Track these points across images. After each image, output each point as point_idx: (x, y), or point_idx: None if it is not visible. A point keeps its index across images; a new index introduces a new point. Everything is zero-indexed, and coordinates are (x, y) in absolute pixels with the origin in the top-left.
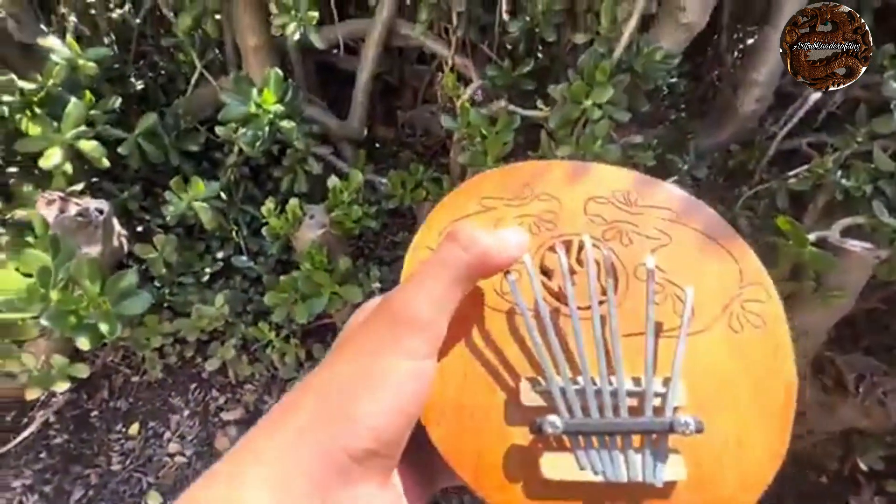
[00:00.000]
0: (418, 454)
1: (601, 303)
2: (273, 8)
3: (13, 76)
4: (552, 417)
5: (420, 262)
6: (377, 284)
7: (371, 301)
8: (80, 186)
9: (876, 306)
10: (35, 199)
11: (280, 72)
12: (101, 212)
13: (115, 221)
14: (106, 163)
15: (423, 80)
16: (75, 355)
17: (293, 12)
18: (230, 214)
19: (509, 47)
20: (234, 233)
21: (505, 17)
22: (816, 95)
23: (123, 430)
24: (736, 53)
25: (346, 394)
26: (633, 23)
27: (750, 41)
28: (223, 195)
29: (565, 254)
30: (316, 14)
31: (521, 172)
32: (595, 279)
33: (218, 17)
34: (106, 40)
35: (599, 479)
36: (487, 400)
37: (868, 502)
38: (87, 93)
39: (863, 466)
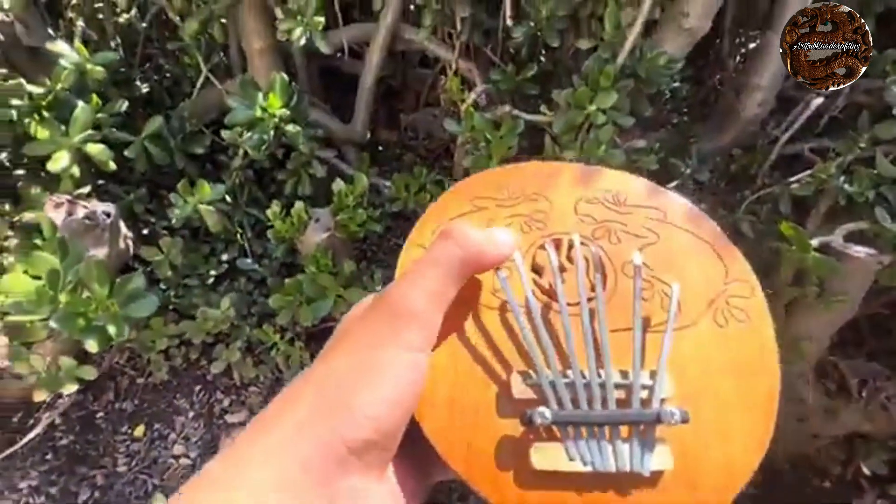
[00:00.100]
0: (413, 448)
1: (590, 299)
2: (279, 13)
3: (22, 80)
4: (542, 409)
5: (413, 261)
6: (381, 287)
7: (366, 298)
8: (86, 189)
9: (879, 311)
10: (43, 201)
11: (285, 76)
12: (108, 214)
13: (122, 224)
14: (113, 166)
15: (426, 83)
16: (82, 357)
17: (299, 17)
18: (235, 217)
19: (512, 52)
20: (238, 235)
21: (508, 22)
22: (819, 100)
23: (129, 431)
24: (738, 58)
25: (345, 386)
26: (637, 28)
27: (752, 45)
28: (228, 198)
29: (555, 252)
30: (322, 19)
31: (512, 173)
32: (584, 276)
33: (223, 21)
34: (112, 44)
35: (588, 469)
36: (479, 393)
37: None
38: (94, 96)
39: (866, 471)
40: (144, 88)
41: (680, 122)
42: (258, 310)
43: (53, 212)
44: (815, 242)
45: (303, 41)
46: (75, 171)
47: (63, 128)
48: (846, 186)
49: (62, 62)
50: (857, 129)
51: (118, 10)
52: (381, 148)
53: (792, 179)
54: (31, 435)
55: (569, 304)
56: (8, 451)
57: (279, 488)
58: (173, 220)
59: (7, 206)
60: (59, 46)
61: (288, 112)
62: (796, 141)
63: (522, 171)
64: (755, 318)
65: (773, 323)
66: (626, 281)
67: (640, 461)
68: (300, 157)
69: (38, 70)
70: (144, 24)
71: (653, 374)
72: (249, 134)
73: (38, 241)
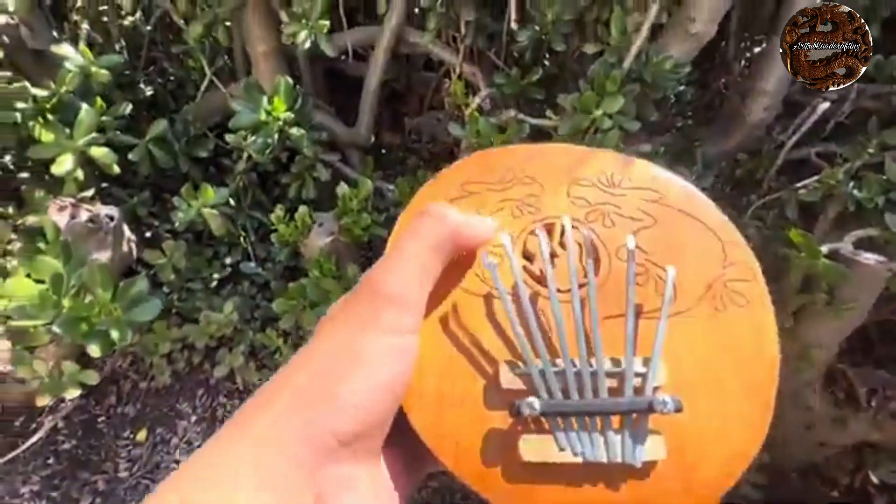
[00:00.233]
0: (403, 438)
1: (582, 285)
2: (284, 16)
3: (26, 83)
4: (531, 399)
5: (394, 242)
6: None
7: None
8: (90, 192)
9: (888, 318)
10: (46, 205)
11: (290, 79)
12: (111, 218)
13: (125, 227)
14: (116, 169)
15: (430, 86)
16: (84, 361)
17: (304, 21)
18: (238, 221)
19: (517, 56)
20: (242, 239)
21: (513, 25)
22: (825, 105)
23: (131, 436)
24: (743, 62)
25: (328, 373)
26: (644, 33)
27: (757, 49)
28: (231, 201)
29: (547, 237)
30: (327, 23)
31: (503, 157)
32: (575, 261)
33: (228, 24)
34: (117, 47)
35: (578, 460)
36: (467, 384)
37: None
38: (99, 99)
39: (875, 480)
40: (148, 91)
41: (685, 126)
42: (261, 314)
43: (57, 215)
44: (824, 249)
45: (307, 44)
46: (79, 174)
47: (67, 131)
48: (855, 192)
49: (67, 65)
50: (863, 133)
51: (123, 13)
52: (384, 151)
53: (799, 185)
54: (34, 439)
55: (560, 291)
56: (10, 456)
57: (264, 476)
58: (177, 224)
59: (11, 210)
60: (64, 49)
61: (292, 115)
62: (803, 146)
63: (514, 154)
64: (755, 302)
65: (772, 308)
66: (620, 266)
67: (632, 452)
68: (304, 161)
69: (43, 73)
70: (149, 28)
71: (646, 362)
72: (253, 137)
73: (41, 245)
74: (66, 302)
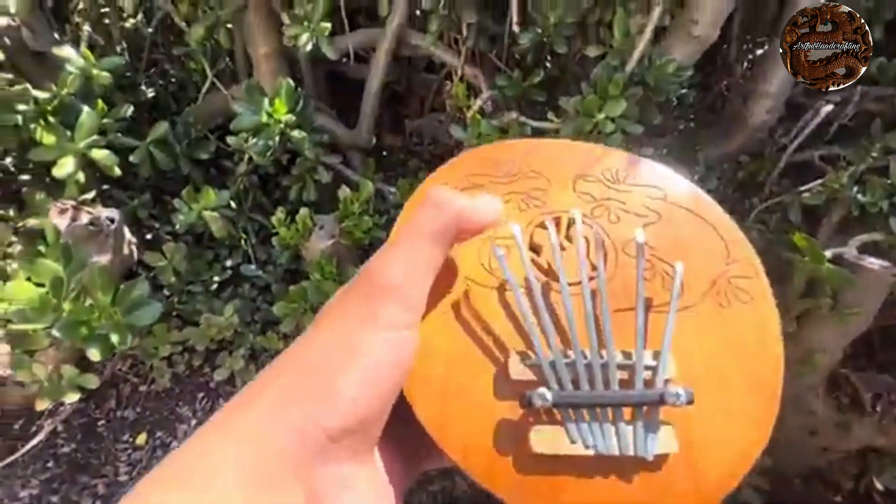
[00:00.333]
0: (404, 431)
1: (591, 278)
2: (285, 18)
3: (27, 85)
4: (542, 390)
5: (395, 232)
6: None
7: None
8: (91, 195)
9: (892, 323)
10: (47, 207)
11: (291, 82)
12: (112, 220)
13: (126, 230)
14: (118, 171)
15: (432, 88)
16: (84, 364)
17: (306, 23)
18: (239, 223)
19: (518, 58)
20: (243, 241)
21: (515, 28)
22: (828, 108)
23: (131, 439)
24: (746, 64)
25: (321, 369)
26: (647, 35)
27: (760, 51)
28: (232, 204)
29: (555, 229)
30: (329, 25)
31: (509, 150)
32: (585, 254)
33: (229, 26)
34: (118, 49)
35: (590, 452)
36: (476, 376)
37: None
38: (100, 101)
39: (879, 486)
40: (150, 93)
41: (687, 128)
42: (262, 317)
43: (58, 217)
44: (828, 254)
45: (309, 46)
46: (80, 176)
47: (68, 133)
48: (859, 196)
49: (68, 67)
50: (867, 136)
51: (124, 15)
52: (385, 153)
53: (802, 188)
54: (33, 443)
55: (569, 284)
56: (9, 459)
57: (249, 473)
58: (177, 226)
59: (11, 212)
60: (65, 51)
61: (294, 117)
62: (805, 148)
63: (519, 148)
64: (758, 298)
65: (775, 304)
66: (627, 260)
67: (644, 444)
68: (305, 163)
69: (44, 75)
70: (150, 30)
71: (656, 355)
72: (255, 139)
73: (41, 248)
74: (66, 305)
